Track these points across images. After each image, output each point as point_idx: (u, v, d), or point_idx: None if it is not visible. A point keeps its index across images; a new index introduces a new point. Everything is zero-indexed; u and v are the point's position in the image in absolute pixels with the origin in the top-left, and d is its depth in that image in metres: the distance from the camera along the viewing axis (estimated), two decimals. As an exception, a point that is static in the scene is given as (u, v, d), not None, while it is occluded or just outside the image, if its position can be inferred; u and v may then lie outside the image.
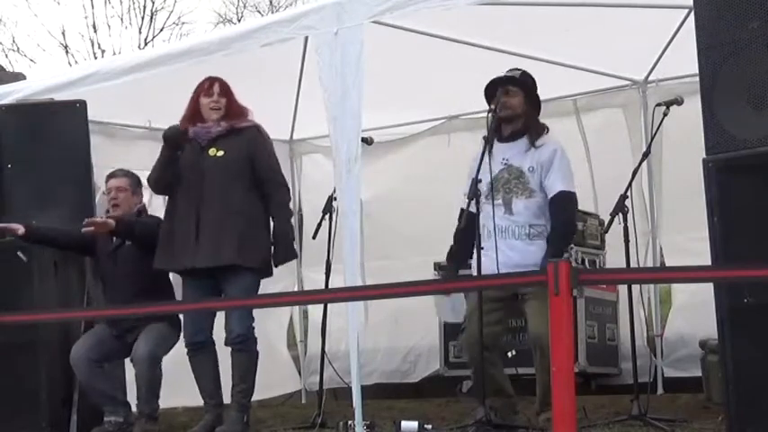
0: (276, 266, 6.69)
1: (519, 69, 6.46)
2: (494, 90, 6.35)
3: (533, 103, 6.38)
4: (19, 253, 6.92)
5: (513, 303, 6.22)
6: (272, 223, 6.66)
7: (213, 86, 6.75)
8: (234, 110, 6.77)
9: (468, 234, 6.15)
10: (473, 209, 6.15)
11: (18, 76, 9.78)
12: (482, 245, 6.13)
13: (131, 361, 6.79)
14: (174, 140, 6.63)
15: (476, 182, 6.16)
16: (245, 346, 6.57)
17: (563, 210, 6.23)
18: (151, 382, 6.73)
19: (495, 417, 5.94)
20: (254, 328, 6.63)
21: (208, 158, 6.64)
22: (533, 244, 6.18)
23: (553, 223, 6.20)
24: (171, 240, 6.62)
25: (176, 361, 6.91)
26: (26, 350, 6.75)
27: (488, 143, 6.20)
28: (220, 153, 6.64)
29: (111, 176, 7.11)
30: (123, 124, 8.50)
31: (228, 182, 6.58)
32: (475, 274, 6.13)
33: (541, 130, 6.35)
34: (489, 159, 6.18)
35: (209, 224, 6.52)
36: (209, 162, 6.62)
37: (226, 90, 6.77)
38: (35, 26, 40.69)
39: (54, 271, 6.95)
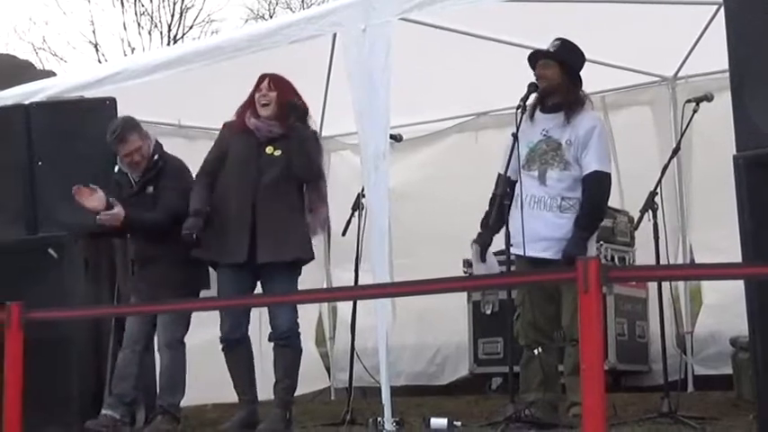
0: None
1: (561, 39, 6.39)
2: (535, 62, 6.35)
3: (572, 75, 6.32)
4: (50, 250, 6.96)
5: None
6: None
7: (264, 82, 6.75)
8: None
9: (502, 200, 6.16)
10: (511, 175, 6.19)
11: (48, 75, 9.83)
12: (512, 213, 6.15)
13: (158, 350, 6.86)
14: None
15: (505, 174, 6.16)
16: (290, 342, 6.64)
17: (594, 191, 6.21)
18: (173, 371, 6.80)
19: (526, 413, 5.91)
20: (298, 324, 6.69)
21: (265, 156, 6.68)
22: (563, 217, 6.18)
23: (582, 203, 6.19)
24: (223, 232, 6.66)
25: (206, 357, 6.92)
26: (57, 347, 6.77)
27: (517, 133, 6.20)
28: (278, 152, 6.68)
29: (120, 141, 6.88)
30: (153, 121, 8.51)
31: (285, 180, 6.65)
32: (503, 246, 6.15)
33: (579, 104, 6.29)
34: (516, 146, 6.18)
35: (268, 220, 6.57)
36: (267, 160, 6.67)
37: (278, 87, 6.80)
38: (65, 25, 41.01)
39: (85, 268, 6.98)
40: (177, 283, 6.80)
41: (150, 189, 6.94)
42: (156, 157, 6.99)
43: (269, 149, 6.70)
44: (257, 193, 6.61)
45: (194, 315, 7.00)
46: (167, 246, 6.77)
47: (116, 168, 7.02)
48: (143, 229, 6.87)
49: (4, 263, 7.05)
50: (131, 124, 6.97)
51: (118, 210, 6.67)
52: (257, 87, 6.76)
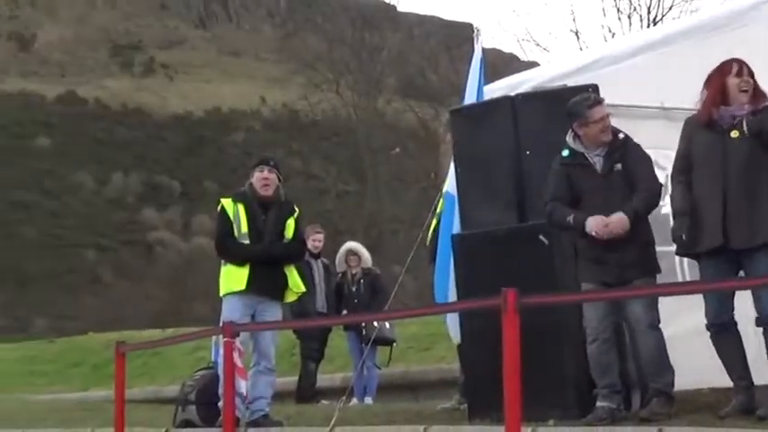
0: None
1: None
2: None
3: None
4: (541, 236, 7.14)
5: None
6: None
7: (743, 68, 6.61)
8: (758, 91, 6.65)
9: None
10: None
11: (532, 65, 10.12)
12: None
13: (636, 333, 6.80)
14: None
15: None
16: None
17: None
18: (659, 352, 6.74)
19: None
20: None
21: (730, 141, 6.54)
22: None
23: None
24: (697, 222, 6.58)
25: (700, 340, 6.82)
26: (550, 332, 6.92)
27: None
28: (744, 134, 6.53)
29: (596, 103, 6.82)
30: (634, 105, 8.51)
31: (754, 161, 6.48)
32: None
33: None
34: None
35: (739, 205, 6.46)
36: (733, 144, 6.52)
37: (751, 72, 6.63)
38: (546, 15, 42.06)
39: (575, 253, 7.05)
40: (645, 265, 6.76)
41: (618, 167, 6.84)
42: (619, 133, 6.90)
43: (734, 133, 6.53)
44: (726, 179, 6.47)
45: (683, 299, 6.91)
46: (637, 228, 6.73)
47: (565, 152, 6.91)
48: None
49: (499, 250, 7.33)
50: None
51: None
52: (731, 73, 6.58)
